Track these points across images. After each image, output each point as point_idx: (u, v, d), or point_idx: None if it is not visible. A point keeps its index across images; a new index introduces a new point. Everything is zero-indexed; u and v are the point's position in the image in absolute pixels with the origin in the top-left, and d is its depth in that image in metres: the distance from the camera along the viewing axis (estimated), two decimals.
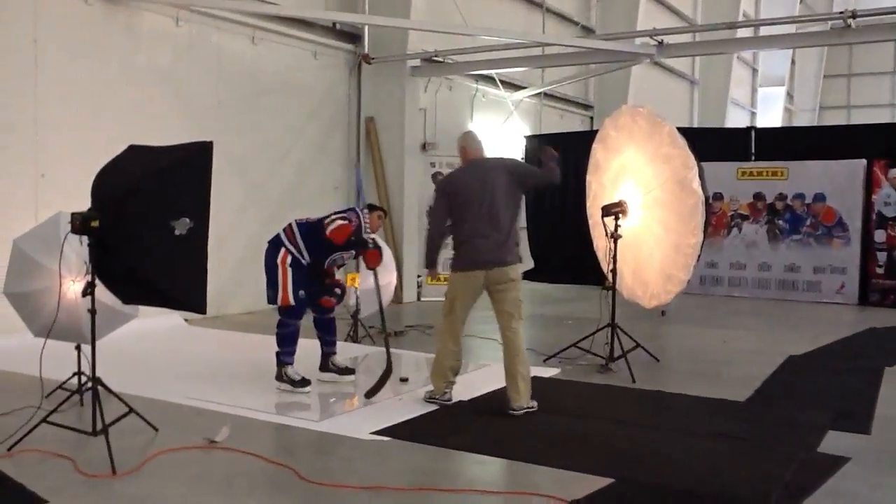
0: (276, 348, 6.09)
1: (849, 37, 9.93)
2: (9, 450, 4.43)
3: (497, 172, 5.62)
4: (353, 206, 6.54)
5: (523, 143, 14.96)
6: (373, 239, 6.20)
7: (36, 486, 3.95)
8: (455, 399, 5.81)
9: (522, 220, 14.85)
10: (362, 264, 7.80)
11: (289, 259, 5.97)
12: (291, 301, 5.95)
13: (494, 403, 5.79)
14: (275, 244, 6.10)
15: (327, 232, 5.92)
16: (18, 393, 5.54)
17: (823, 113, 35.44)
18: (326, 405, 5.96)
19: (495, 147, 14.46)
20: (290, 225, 6.16)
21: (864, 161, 11.88)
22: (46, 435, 4.55)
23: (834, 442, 4.94)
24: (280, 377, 6.07)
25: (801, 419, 5.53)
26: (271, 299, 6.06)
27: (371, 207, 6.60)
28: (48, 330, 4.71)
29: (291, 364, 6.08)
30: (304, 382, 6.05)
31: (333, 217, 6.03)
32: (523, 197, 5.89)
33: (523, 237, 14.94)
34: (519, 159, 6.09)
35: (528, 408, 5.51)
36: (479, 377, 6.66)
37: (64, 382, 5.38)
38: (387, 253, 8.57)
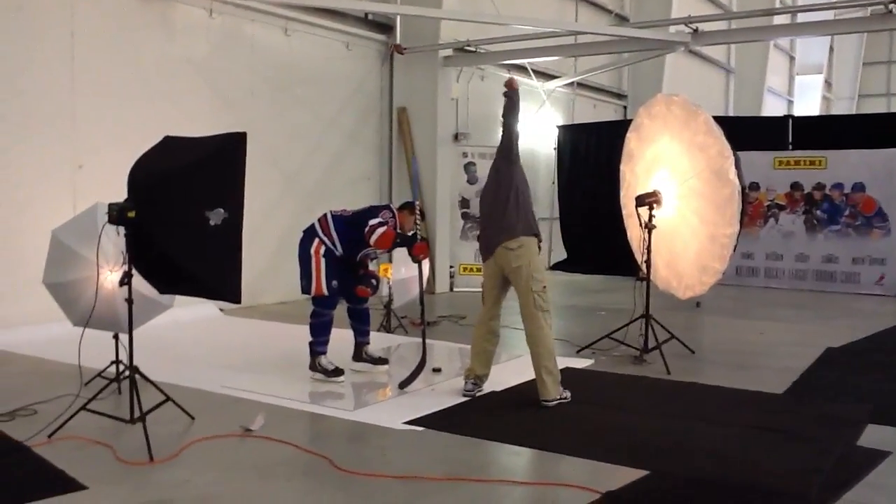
0: (309, 338, 6.12)
1: (889, 23, 9.73)
2: (49, 437, 4.51)
3: (497, 156, 5.86)
4: (387, 204, 6.50)
5: (556, 132, 14.88)
6: (415, 232, 6.20)
7: (76, 473, 4.01)
8: (488, 389, 5.80)
9: (547, 211, 14.82)
10: (395, 254, 7.87)
11: (322, 249, 6.01)
12: (325, 291, 5.98)
13: (528, 394, 5.77)
14: (309, 234, 6.14)
15: (372, 241, 5.97)
16: (58, 381, 5.63)
17: (862, 101, 34.82)
18: (360, 395, 5.98)
19: (528, 137, 14.43)
20: (325, 216, 6.18)
21: None
22: (85, 423, 4.62)
23: (873, 436, 4.86)
24: (314, 367, 6.10)
25: (839, 412, 5.44)
26: (305, 289, 6.10)
27: (404, 206, 6.54)
28: (86, 319, 4.77)
29: (325, 353, 6.11)
30: (338, 372, 6.07)
31: (373, 224, 5.97)
32: (520, 173, 5.75)
33: (556, 229, 14.90)
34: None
35: (561, 398, 5.49)
36: (513, 368, 6.64)
37: (102, 371, 5.46)
38: None
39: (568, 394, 5.54)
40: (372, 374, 6.35)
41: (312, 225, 6.18)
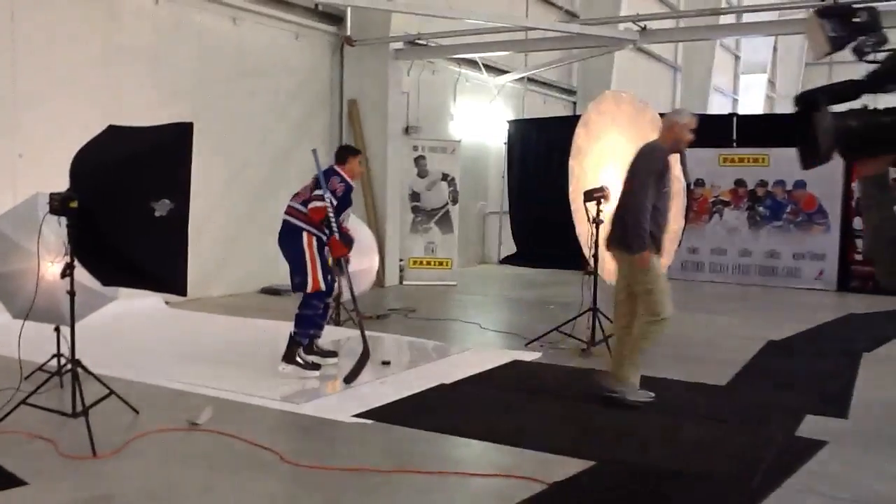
0: (292, 329, 6.01)
1: None
2: None
3: None
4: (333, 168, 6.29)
5: (506, 127, 14.95)
6: (342, 230, 6.04)
7: (16, 468, 3.92)
8: (438, 382, 5.81)
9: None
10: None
11: (314, 242, 5.93)
12: (322, 286, 5.95)
13: (477, 386, 5.81)
14: (292, 231, 5.98)
15: (308, 207, 5.90)
16: None
17: None
18: (309, 388, 5.94)
19: (478, 132, 14.47)
20: (294, 208, 6.03)
21: None
22: (26, 417, 4.51)
23: (812, 426, 4.99)
24: (289, 358, 5.99)
25: (780, 403, 5.58)
26: (300, 286, 5.97)
27: (343, 155, 6.32)
28: (27, 311, 4.66)
29: (305, 345, 6.06)
30: (315, 366, 6.05)
31: (317, 195, 5.91)
32: (637, 180, 5.33)
33: (506, 222, 14.98)
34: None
35: (611, 392, 5.41)
36: (462, 360, 6.67)
37: (43, 364, 5.33)
38: (368, 236, 8.56)
39: (624, 390, 5.38)
40: (322, 368, 6.31)
41: (288, 222, 6.00)
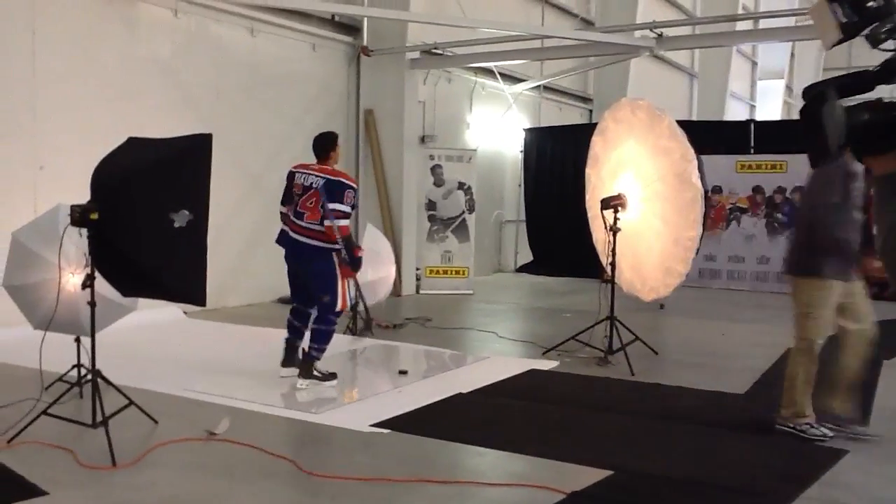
0: (312, 344, 5.98)
1: None
2: (9, 442, 4.44)
3: None
4: (346, 183, 6.17)
5: (522, 135, 14.95)
6: (355, 252, 5.97)
7: (36, 478, 3.96)
8: (454, 391, 5.82)
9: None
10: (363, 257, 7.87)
11: (339, 261, 5.93)
12: (348, 304, 6.05)
13: (493, 395, 5.80)
14: (319, 252, 5.88)
15: (339, 225, 5.76)
16: (18, 385, 5.53)
17: None
18: (326, 397, 5.95)
19: (494, 140, 14.48)
20: (308, 229, 5.88)
21: None
22: (46, 427, 4.55)
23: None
24: (308, 374, 5.96)
25: None
26: (331, 306, 5.93)
27: (329, 142, 6.17)
28: (48, 322, 4.71)
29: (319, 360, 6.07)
30: (334, 375, 6.06)
31: (339, 211, 5.80)
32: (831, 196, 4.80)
33: (522, 231, 14.97)
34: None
35: (785, 425, 4.93)
36: (478, 369, 6.67)
37: (64, 375, 5.37)
38: (385, 245, 8.59)
39: (806, 425, 4.85)
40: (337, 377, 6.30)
41: (308, 244, 5.87)
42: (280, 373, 6.11)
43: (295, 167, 6.15)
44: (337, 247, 5.86)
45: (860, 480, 4.20)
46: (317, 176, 5.94)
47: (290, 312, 6.26)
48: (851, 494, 4.01)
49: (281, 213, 6.18)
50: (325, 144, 6.18)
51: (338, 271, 5.92)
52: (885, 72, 2.13)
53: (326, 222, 5.78)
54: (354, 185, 6.04)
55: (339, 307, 5.98)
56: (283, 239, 6.10)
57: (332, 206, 5.78)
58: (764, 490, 4.01)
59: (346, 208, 5.84)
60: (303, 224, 5.91)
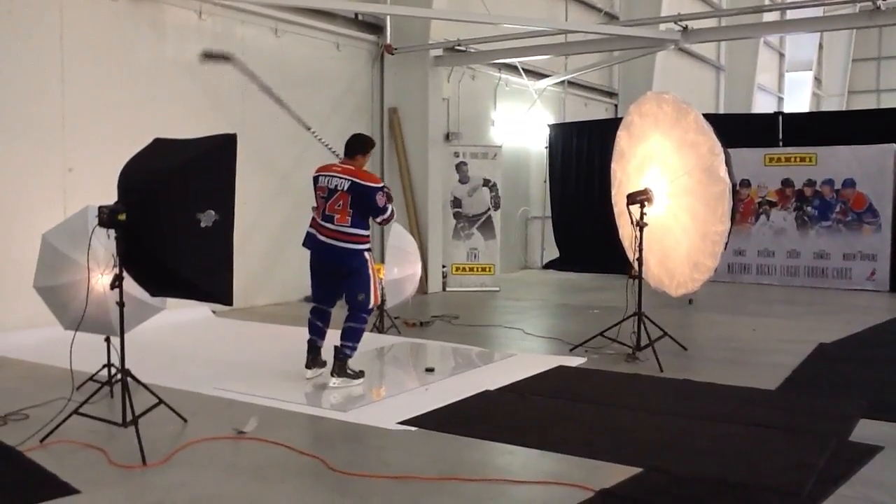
0: (344, 342, 5.98)
1: (878, 19, 9.76)
2: (41, 441, 4.49)
3: None
4: (379, 185, 6.13)
5: (547, 131, 14.90)
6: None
7: (68, 477, 3.99)
8: (482, 388, 5.80)
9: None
10: (387, 255, 7.89)
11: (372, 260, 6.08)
12: (378, 301, 6.28)
13: (520, 392, 5.78)
14: (352, 254, 5.94)
15: (379, 219, 6.06)
16: (50, 385, 5.61)
17: (852, 97, 34.92)
18: (355, 395, 5.96)
19: (519, 136, 14.44)
20: (339, 232, 5.90)
21: (894, 146, 11.70)
22: (78, 427, 4.61)
23: (866, 431, 4.87)
24: (342, 371, 5.96)
25: (832, 407, 5.45)
26: (365, 303, 6.01)
27: (365, 145, 6.31)
28: (78, 323, 4.75)
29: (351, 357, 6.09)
30: (362, 372, 6.10)
31: (377, 208, 5.99)
32: None
33: (549, 227, 14.91)
34: None
35: None
36: (506, 366, 6.64)
37: (94, 374, 5.43)
38: (412, 243, 8.59)
39: None
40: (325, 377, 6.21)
41: (340, 246, 5.90)
42: (305, 374, 6.12)
43: (318, 170, 6.20)
44: (368, 246, 5.99)
45: (894, 479, 4.12)
46: (341, 178, 5.96)
47: (310, 312, 6.27)
48: (889, 492, 3.93)
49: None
50: (356, 146, 6.26)
51: (371, 269, 5.98)
52: None
53: (379, 221, 6.07)
54: (380, 185, 6.05)
55: (372, 304, 6.05)
56: (310, 241, 6.10)
57: (378, 219, 6.06)
58: (796, 488, 3.95)
59: (387, 212, 6.04)
60: (332, 227, 5.93)
